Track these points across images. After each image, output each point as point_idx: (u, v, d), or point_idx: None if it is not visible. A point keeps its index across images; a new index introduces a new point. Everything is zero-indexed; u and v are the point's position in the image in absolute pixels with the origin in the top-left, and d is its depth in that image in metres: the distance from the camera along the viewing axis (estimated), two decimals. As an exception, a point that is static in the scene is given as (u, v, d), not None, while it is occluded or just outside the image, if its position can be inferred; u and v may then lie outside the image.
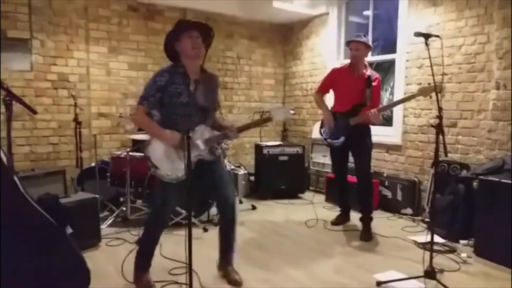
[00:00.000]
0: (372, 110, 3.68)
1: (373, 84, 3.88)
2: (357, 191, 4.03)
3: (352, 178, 4.21)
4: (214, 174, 2.79)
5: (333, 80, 4.07)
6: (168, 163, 2.59)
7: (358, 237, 3.90)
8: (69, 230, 2.54)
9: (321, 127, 4.14)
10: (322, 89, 4.17)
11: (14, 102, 2.46)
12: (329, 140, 4.04)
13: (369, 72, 3.95)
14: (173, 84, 2.57)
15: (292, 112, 2.71)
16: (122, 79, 5.39)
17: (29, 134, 4.76)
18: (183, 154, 2.29)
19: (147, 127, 2.68)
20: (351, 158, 4.13)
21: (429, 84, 3.26)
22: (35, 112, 2.98)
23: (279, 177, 5.48)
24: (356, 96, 3.86)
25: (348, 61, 4.09)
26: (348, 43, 4.00)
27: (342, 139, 3.90)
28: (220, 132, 2.70)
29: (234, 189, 2.96)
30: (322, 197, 5.52)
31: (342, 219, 4.34)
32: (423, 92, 3.41)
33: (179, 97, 2.58)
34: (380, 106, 3.83)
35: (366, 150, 3.98)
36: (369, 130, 4.00)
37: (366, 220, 3.97)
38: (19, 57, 4.64)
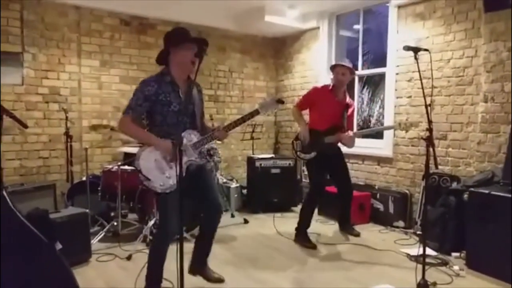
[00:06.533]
0: (350, 132, 3.91)
1: (350, 110, 4.11)
2: (341, 204, 4.41)
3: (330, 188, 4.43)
4: (205, 182, 2.85)
5: (313, 99, 4.14)
6: (159, 173, 2.59)
7: (351, 252, 3.92)
8: (58, 246, 2.51)
9: (296, 139, 4.20)
10: (301, 106, 4.22)
11: (4, 116, 2.45)
12: (299, 153, 4.14)
13: (348, 99, 4.15)
14: (162, 94, 2.59)
15: (277, 102, 2.74)
16: (113, 92, 5.39)
17: (19, 148, 4.72)
18: (173, 162, 2.31)
19: (136, 134, 2.69)
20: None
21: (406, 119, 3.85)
22: (25, 126, 2.96)
23: (272, 190, 5.46)
24: (335, 117, 4.02)
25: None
26: (333, 67, 4.13)
27: (313, 154, 4.02)
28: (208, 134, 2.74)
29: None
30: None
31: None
32: (402, 126, 3.81)
33: (169, 106, 2.60)
34: (356, 130, 3.93)
35: (345, 167, 4.31)
36: (339, 149, 4.21)
37: (348, 222, 4.45)
38: (10, 71, 4.61)
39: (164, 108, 2.60)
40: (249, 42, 6.63)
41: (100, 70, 5.28)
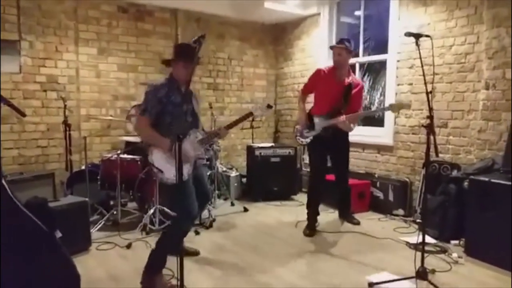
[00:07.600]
0: (342, 117, 3.80)
1: (354, 90, 3.97)
2: (338, 192, 4.42)
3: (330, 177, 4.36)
4: (201, 174, 3.14)
5: (315, 81, 4.10)
6: (170, 166, 2.78)
7: (351, 240, 3.93)
8: (58, 234, 2.51)
9: (296, 124, 4.23)
10: (305, 90, 4.22)
11: (2, 105, 2.43)
12: (298, 137, 4.16)
13: (351, 78, 4.01)
14: (172, 96, 2.83)
15: (268, 108, 3.18)
16: (112, 80, 5.34)
17: (17, 137, 4.70)
18: (183, 156, 2.42)
19: (150, 136, 2.88)
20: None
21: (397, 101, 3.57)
22: (23, 115, 2.94)
23: (271, 178, 5.46)
24: (334, 100, 3.93)
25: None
26: (331, 49, 4.08)
27: (308, 139, 4.04)
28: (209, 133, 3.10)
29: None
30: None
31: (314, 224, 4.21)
32: (394, 107, 3.67)
33: (178, 107, 2.86)
34: (350, 114, 3.86)
35: (344, 155, 4.25)
36: (346, 134, 4.11)
37: (348, 210, 4.46)
38: (8, 59, 4.57)
39: (174, 109, 2.84)
40: (248, 29, 6.56)
41: (98, 58, 5.23)
